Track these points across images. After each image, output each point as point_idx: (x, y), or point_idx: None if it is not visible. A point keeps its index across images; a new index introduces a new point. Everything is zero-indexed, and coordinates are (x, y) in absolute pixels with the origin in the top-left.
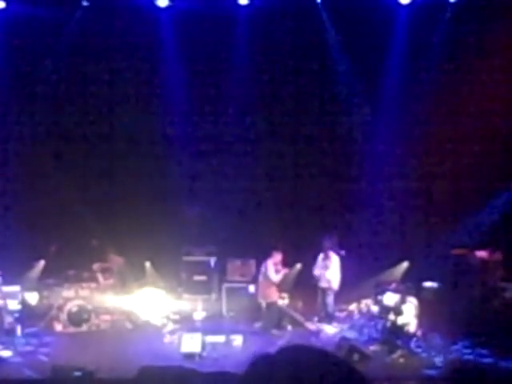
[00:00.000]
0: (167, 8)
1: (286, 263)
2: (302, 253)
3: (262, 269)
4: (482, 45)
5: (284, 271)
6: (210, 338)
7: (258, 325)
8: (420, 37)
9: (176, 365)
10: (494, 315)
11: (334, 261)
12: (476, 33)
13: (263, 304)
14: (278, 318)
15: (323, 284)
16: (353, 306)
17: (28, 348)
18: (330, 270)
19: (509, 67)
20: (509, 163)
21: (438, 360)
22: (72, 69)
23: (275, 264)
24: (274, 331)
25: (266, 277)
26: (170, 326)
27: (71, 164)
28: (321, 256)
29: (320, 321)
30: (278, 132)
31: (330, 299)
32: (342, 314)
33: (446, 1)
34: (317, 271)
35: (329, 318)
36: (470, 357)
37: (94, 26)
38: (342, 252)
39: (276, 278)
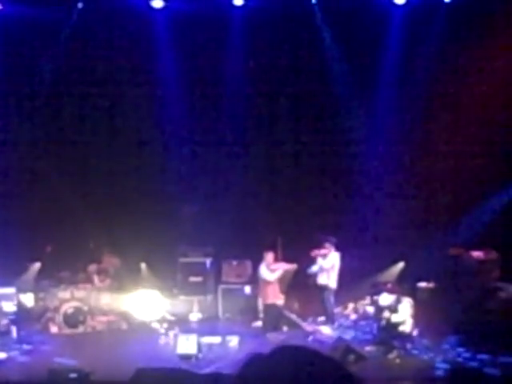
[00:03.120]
0: (162, 9)
1: (284, 260)
2: (299, 253)
3: (259, 271)
4: (477, 45)
5: (281, 267)
6: (206, 339)
7: (254, 325)
8: (415, 37)
9: (172, 366)
10: (490, 315)
11: (333, 259)
12: (471, 33)
13: (261, 305)
14: (276, 319)
15: (320, 281)
16: (349, 307)
17: (24, 350)
18: (327, 261)
19: (504, 67)
20: (505, 164)
21: (434, 360)
22: (68, 70)
23: (268, 264)
24: (271, 332)
25: (263, 278)
26: (166, 328)
27: (67, 166)
28: (320, 257)
29: (322, 323)
30: (274, 132)
31: (329, 300)
32: (337, 316)
33: (441, 1)
34: (314, 267)
35: (329, 320)
36: (466, 357)
37: (89, 28)
38: (338, 253)
39: (271, 276)
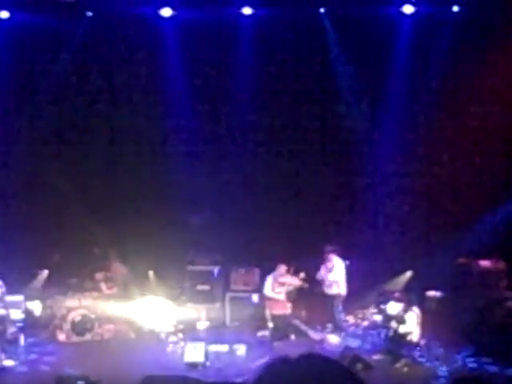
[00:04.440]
0: (171, 18)
1: (293, 273)
2: (306, 261)
3: (264, 284)
4: (485, 54)
5: (290, 282)
6: (214, 348)
7: (262, 334)
8: (423, 46)
9: (179, 374)
10: (497, 324)
11: (337, 264)
12: (479, 42)
13: (269, 315)
14: (284, 328)
15: (328, 290)
16: (356, 315)
17: (31, 357)
18: (333, 273)
19: None
20: None
21: (442, 369)
22: (76, 78)
23: (279, 276)
24: (279, 341)
25: (263, 293)
26: (174, 336)
27: (75, 174)
28: (325, 265)
29: (330, 331)
30: (282, 141)
31: (338, 308)
32: (346, 324)
33: (450, 10)
34: (319, 275)
35: (337, 327)
36: (474, 366)
37: (97, 37)
38: (346, 262)
39: (269, 293)
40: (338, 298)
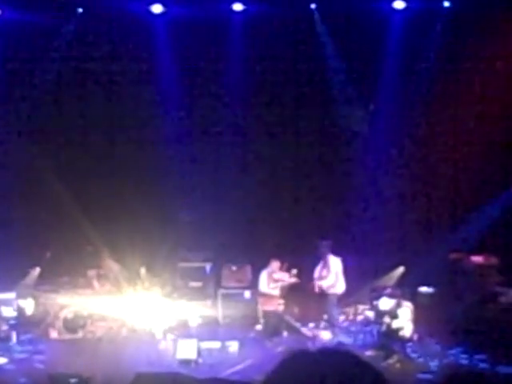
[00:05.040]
0: (162, 14)
1: (286, 269)
2: (298, 258)
3: (258, 279)
4: (477, 49)
5: (283, 279)
6: (206, 344)
7: (254, 330)
8: (415, 42)
9: (172, 371)
10: (490, 320)
11: (334, 263)
12: (471, 37)
13: (261, 311)
14: (276, 325)
15: (331, 290)
16: (349, 312)
17: (23, 355)
18: (332, 274)
19: (504, 71)
20: (505, 168)
21: (434, 365)
22: (67, 75)
23: (273, 272)
24: (271, 338)
25: (259, 289)
26: (166, 333)
27: (66, 171)
28: (321, 262)
29: (324, 327)
30: (274, 138)
31: (332, 305)
32: (339, 321)
33: (441, 6)
34: (316, 272)
35: (331, 326)
36: (466, 362)
37: (88, 33)
38: (339, 258)
39: (265, 289)
40: (334, 296)
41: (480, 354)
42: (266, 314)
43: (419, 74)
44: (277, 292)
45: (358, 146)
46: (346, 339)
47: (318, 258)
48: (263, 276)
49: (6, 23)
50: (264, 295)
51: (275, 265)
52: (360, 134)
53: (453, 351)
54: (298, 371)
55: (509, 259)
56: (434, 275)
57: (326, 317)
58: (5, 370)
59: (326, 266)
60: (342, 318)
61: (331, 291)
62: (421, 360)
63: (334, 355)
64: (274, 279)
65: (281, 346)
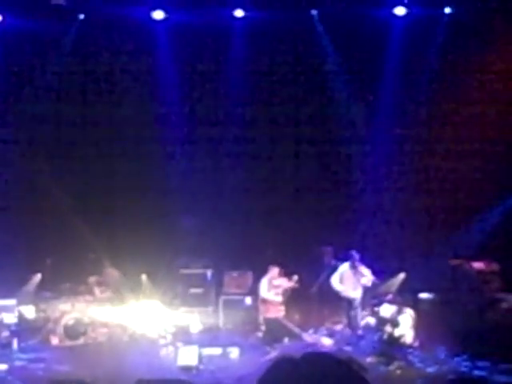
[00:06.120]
0: (163, 20)
1: (286, 274)
2: (299, 264)
3: (259, 286)
4: (477, 55)
5: (283, 284)
6: (207, 351)
7: (255, 337)
8: (416, 48)
9: (173, 378)
10: (490, 326)
11: (342, 270)
12: (471, 43)
13: (262, 318)
14: (277, 331)
15: (348, 295)
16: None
17: (24, 362)
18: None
19: (504, 76)
20: (505, 174)
21: (435, 371)
22: (69, 82)
23: (272, 279)
24: (272, 344)
25: (260, 295)
26: (167, 339)
27: (68, 178)
28: (345, 269)
29: (325, 334)
30: (275, 144)
31: (356, 310)
32: (339, 326)
33: (442, 12)
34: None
35: (353, 329)
36: (467, 368)
37: (90, 39)
38: (339, 264)
39: (267, 295)
40: (356, 301)
41: (481, 360)
42: (267, 320)
43: (419, 79)
44: (278, 298)
45: (357, 154)
46: (346, 346)
47: (319, 264)
48: (264, 282)
49: (7, 30)
50: (265, 301)
51: (274, 271)
52: (360, 141)
53: (453, 357)
54: (281, 378)
55: (509, 265)
56: (434, 281)
57: (345, 321)
58: (6, 376)
59: (357, 272)
60: (343, 323)
61: (355, 295)
62: (422, 366)
63: (316, 360)
64: (274, 285)
65: (282, 353)
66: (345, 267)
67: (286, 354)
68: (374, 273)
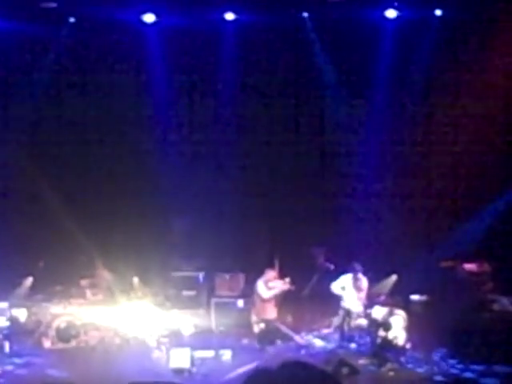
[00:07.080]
0: (154, 24)
1: (278, 276)
2: (292, 266)
3: (255, 287)
4: (468, 58)
5: (279, 286)
6: (199, 353)
7: (248, 339)
8: (407, 50)
9: (165, 380)
10: (483, 327)
11: (345, 280)
12: (462, 46)
13: (255, 320)
14: (269, 333)
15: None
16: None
17: (16, 365)
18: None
19: (495, 79)
20: (497, 176)
21: (428, 373)
22: (59, 85)
23: (268, 281)
24: (265, 346)
25: (258, 295)
26: (159, 342)
27: (59, 180)
28: (347, 281)
29: (317, 336)
30: (268, 147)
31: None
32: (331, 328)
33: (433, 15)
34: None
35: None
36: (459, 369)
37: (80, 42)
38: (331, 266)
39: (266, 294)
40: (354, 314)
41: (473, 362)
42: (260, 322)
43: (411, 82)
44: (272, 300)
45: (349, 156)
46: (338, 347)
47: (311, 266)
48: (260, 284)
49: None
50: (263, 302)
51: (270, 274)
52: (352, 144)
53: (446, 359)
54: None
55: (501, 266)
56: (426, 283)
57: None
58: None
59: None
60: (335, 325)
61: (355, 309)
62: (414, 368)
63: (292, 370)
64: (269, 287)
65: (274, 355)
66: (347, 279)
67: (261, 365)
68: (366, 273)
